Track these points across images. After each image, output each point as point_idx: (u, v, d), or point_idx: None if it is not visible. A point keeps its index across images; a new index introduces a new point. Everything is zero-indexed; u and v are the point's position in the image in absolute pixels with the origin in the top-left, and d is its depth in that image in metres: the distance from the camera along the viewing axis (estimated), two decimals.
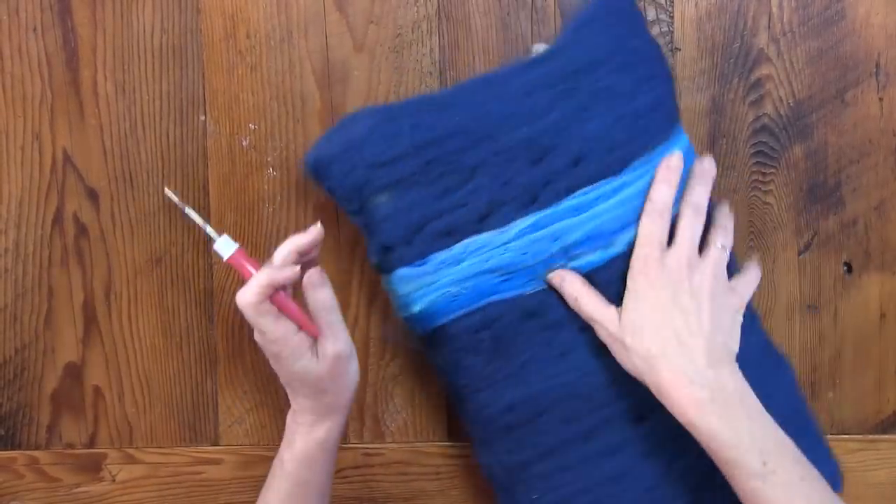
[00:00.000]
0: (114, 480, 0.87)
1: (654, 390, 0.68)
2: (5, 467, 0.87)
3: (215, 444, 0.87)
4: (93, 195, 0.84)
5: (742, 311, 0.71)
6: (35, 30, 0.83)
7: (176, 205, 0.76)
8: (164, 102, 0.83)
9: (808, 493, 0.65)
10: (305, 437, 0.74)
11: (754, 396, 0.68)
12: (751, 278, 0.73)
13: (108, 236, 0.85)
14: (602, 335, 0.70)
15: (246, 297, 0.69)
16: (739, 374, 0.68)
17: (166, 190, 0.78)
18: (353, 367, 0.74)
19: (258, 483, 0.85)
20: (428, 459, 0.87)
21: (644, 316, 0.68)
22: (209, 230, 0.74)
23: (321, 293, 0.70)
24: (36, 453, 0.87)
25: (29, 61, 0.83)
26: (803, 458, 0.67)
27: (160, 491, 0.87)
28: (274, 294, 0.70)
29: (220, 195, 0.84)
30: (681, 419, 0.67)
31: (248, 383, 0.86)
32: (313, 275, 0.70)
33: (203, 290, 0.85)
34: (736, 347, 0.70)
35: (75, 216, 0.85)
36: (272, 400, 0.86)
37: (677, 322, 0.67)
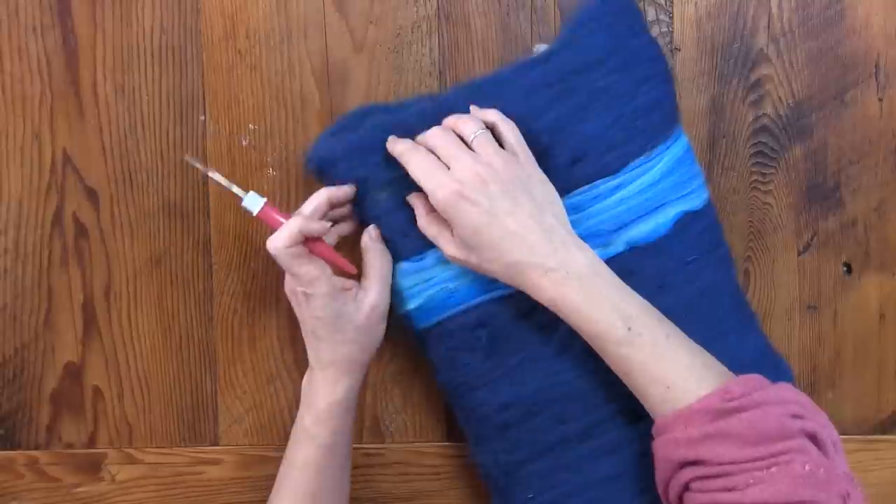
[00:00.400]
0: (113, 480, 0.87)
1: (522, 289, 0.69)
2: (5, 467, 0.87)
3: (215, 444, 0.87)
4: (92, 195, 0.84)
5: (534, 161, 0.71)
6: (35, 30, 0.83)
7: (200, 169, 0.76)
8: (164, 102, 0.83)
9: (675, 349, 0.66)
10: (328, 396, 0.74)
11: (607, 268, 0.69)
12: (508, 128, 0.72)
13: (107, 236, 0.85)
14: (446, 254, 0.71)
15: (276, 243, 0.71)
16: (587, 249, 0.69)
17: (186, 156, 0.78)
18: (382, 328, 0.76)
19: (258, 483, 0.86)
20: (427, 459, 0.86)
21: (474, 236, 0.68)
22: (235, 189, 0.75)
23: (379, 247, 0.75)
24: (35, 453, 0.87)
25: (28, 61, 0.83)
26: (666, 319, 0.68)
27: (159, 491, 0.87)
28: (304, 241, 0.72)
29: (219, 195, 0.84)
30: (550, 306, 0.68)
31: (247, 383, 0.86)
32: (372, 230, 0.75)
33: (203, 291, 0.85)
34: (561, 209, 0.70)
35: (75, 216, 0.85)
36: (272, 400, 0.86)
37: (508, 225, 0.68)
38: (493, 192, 0.68)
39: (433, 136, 0.71)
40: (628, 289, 0.69)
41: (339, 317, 0.73)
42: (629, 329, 0.66)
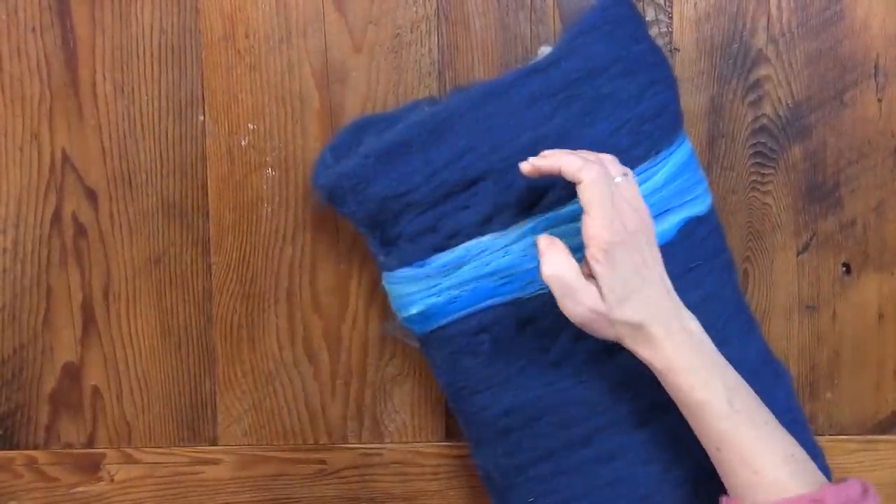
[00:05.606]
0: (112, 480, 0.87)
1: (634, 349, 0.66)
2: (4, 467, 0.87)
3: (214, 443, 0.87)
4: (91, 195, 0.84)
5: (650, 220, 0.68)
6: (34, 30, 0.83)
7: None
8: (163, 102, 0.83)
9: (772, 435, 0.66)
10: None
11: (710, 339, 0.68)
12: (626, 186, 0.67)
13: (106, 236, 0.85)
14: (578, 310, 0.66)
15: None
16: (695, 318, 0.68)
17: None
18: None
19: (257, 483, 0.86)
20: (426, 459, 0.87)
21: (622, 285, 0.65)
22: None
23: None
24: (34, 453, 0.87)
25: (28, 61, 0.83)
26: (762, 403, 0.67)
27: (158, 491, 0.87)
28: None
29: (218, 195, 0.84)
30: (655, 365, 0.66)
31: (246, 383, 0.86)
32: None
33: (202, 290, 0.85)
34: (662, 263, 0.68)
35: (74, 216, 0.84)
36: (271, 400, 0.86)
37: (647, 277, 0.66)
38: (640, 241, 0.66)
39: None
40: (728, 364, 0.67)
41: None
42: (731, 404, 0.65)
